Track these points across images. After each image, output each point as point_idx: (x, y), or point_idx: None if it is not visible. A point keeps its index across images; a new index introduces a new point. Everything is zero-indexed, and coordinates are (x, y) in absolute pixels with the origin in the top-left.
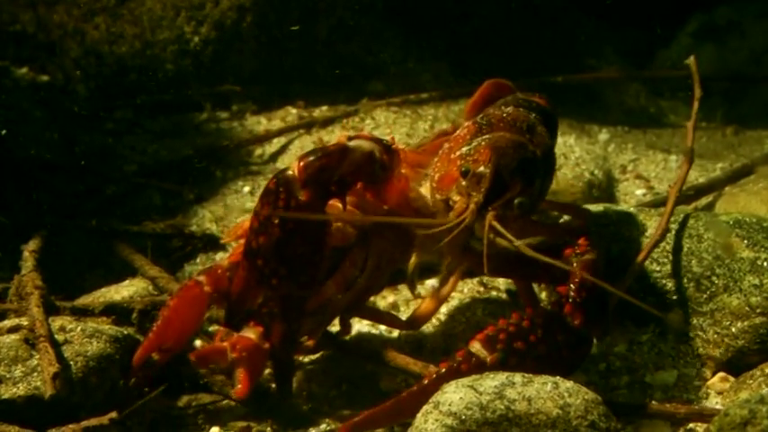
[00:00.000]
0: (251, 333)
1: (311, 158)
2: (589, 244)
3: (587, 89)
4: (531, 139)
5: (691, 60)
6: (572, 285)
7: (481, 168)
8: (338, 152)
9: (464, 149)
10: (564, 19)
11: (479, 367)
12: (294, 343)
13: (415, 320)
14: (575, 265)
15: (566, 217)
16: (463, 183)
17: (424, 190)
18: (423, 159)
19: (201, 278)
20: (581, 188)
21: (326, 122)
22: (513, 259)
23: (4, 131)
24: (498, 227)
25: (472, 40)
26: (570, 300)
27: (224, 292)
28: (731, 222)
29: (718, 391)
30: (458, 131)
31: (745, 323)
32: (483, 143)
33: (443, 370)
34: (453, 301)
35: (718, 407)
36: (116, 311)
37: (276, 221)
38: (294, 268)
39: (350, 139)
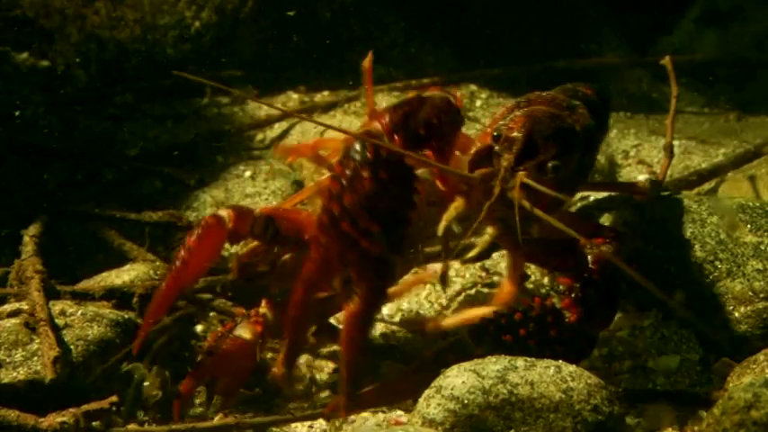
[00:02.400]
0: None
1: (391, 109)
2: (612, 237)
3: (589, 75)
4: (569, 115)
5: (666, 60)
6: (576, 278)
7: (514, 133)
8: (416, 99)
9: (500, 123)
10: (566, 4)
11: (466, 359)
12: (375, 314)
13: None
14: (585, 256)
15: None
16: (496, 148)
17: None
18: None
19: (224, 213)
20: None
21: (327, 107)
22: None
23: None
24: (532, 183)
25: (474, 25)
26: (571, 294)
27: (244, 235)
28: (735, 207)
29: (721, 376)
30: (497, 113)
31: (749, 308)
32: (518, 113)
33: (429, 359)
34: (456, 286)
35: (721, 391)
36: (116, 296)
37: (366, 175)
38: (387, 225)
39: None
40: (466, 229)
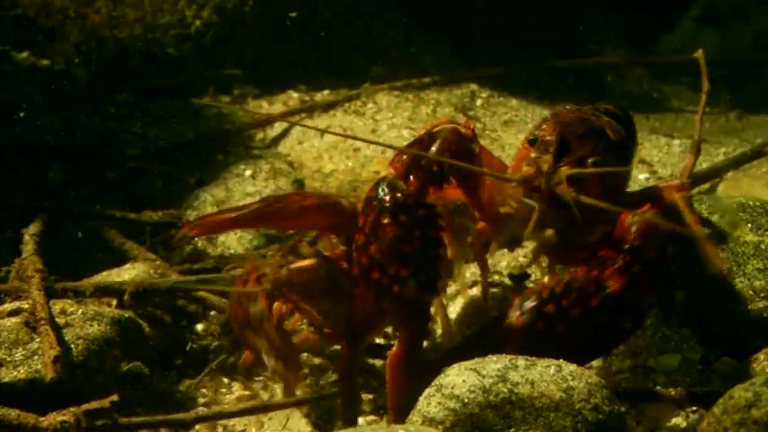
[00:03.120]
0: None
1: (400, 154)
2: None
3: (590, 74)
4: (597, 119)
5: (699, 53)
6: (619, 247)
7: (548, 137)
8: (425, 136)
9: (533, 131)
10: (567, 3)
11: (509, 332)
12: (418, 355)
13: None
14: (628, 226)
15: None
16: (533, 154)
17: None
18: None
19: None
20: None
21: (328, 107)
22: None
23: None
24: (579, 171)
25: (474, 25)
26: (613, 263)
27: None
28: (735, 206)
29: (721, 375)
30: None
31: (749, 307)
32: (549, 122)
33: (472, 335)
34: (456, 285)
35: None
36: (108, 292)
37: (386, 221)
38: (416, 267)
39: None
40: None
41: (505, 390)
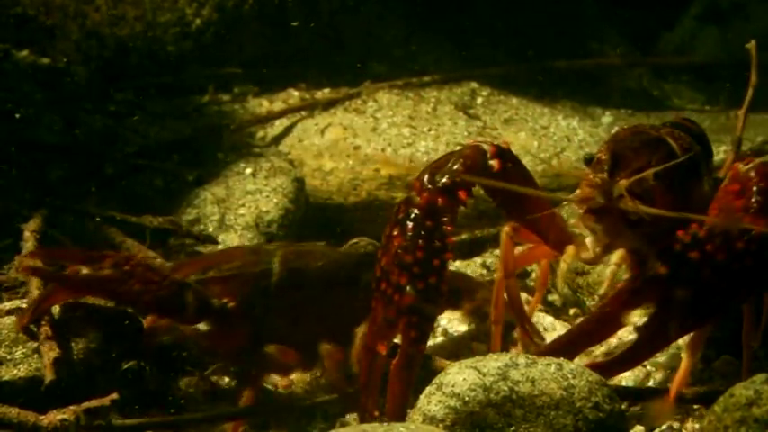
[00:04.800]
0: None
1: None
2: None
3: (590, 72)
4: (655, 130)
5: (751, 45)
6: (745, 194)
7: (603, 155)
8: (445, 155)
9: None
10: (567, 1)
11: (655, 281)
12: (416, 365)
13: None
14: (745, 173)
15: None
16: (590, 175)
17: None
18: None
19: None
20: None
21: (328, 105)
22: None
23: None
24: (639, 176)
25: (475, 23)
26: (749, 210)
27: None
28: None
29: (722, 374)
30: None
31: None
32: (606, 142)
33: (623, 289)
34: None
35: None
36: None
37: (395, 233)
38: (415, 276)
39: None
40: None
41: (506, 388)
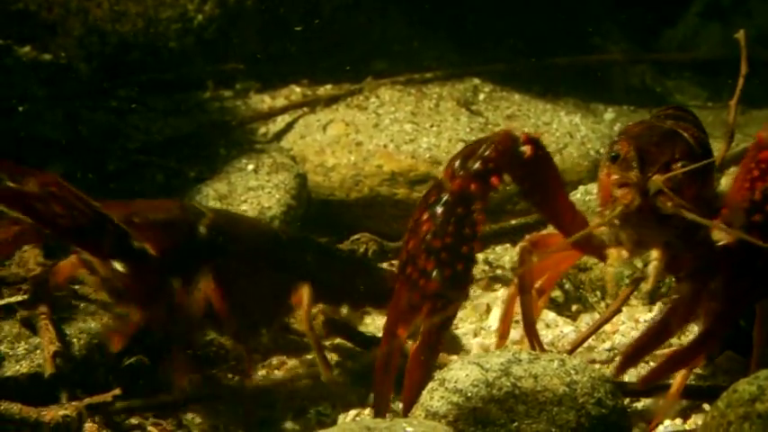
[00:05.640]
0: None
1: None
2: None
3: (592, 69)
4: (663, 121)
5: (740, 34)
6: None
7: (628, 153)
8: (475, 141)
9: (605, 161)
10: None
11: (726, 252)
12: (436, 352)
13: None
14: None
15: None
16: (615, 176)
17: None
18: None
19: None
20: (587, 167)
21: (330, 101)
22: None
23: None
24: (675, 172)
25: (477, 19)
26: None
27: None
28: None
29: (725, 370)
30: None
31: None
32: (620, 139)
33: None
34: None
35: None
36: None
37: (425, 217)
38: (442, 262)
39: None
40: None
41: (508, 384)
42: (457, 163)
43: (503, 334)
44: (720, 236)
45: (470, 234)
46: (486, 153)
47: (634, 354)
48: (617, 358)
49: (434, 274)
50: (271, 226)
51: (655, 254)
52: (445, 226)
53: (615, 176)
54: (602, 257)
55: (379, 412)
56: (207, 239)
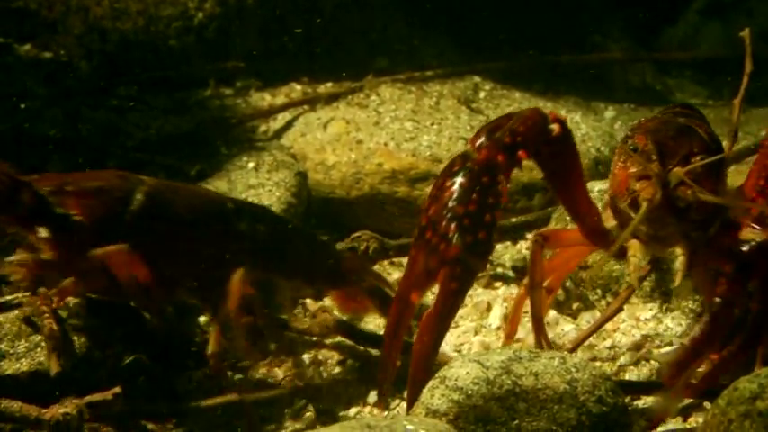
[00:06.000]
0: None
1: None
2: None
3: (593, 67)
4: (676, 117)
5: (745, 33)
6: None
7: (647, 146)
8: (501, 116)
9: (620, 155)
10: None
11: (763, 251)
12: (449, 319)
13: None
14: None
15: None
16: (633, 169)
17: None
18: None
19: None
20: (587, 165)
21: (331, 99)
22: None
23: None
24: (695, 164)
25: (477, 17)
26: None
27: None
28: None
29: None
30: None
31: None
32: (636, 133)
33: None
34: None
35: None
36: None
37: (448, 183)
38: (465, 228)
39: None
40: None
41: (509, 382)
42: (484, 134)
43: (509, 333)
44: (752, 234)
45: (494, 203)
46: (515, 126)
47: (683, 363)
48: (621, 358)
49: (455, 239)
50: (223, 196)
51: (679, 250)
52: (469, 193)
53: (633, 169)
54: (619, 253)
55: (384, 381)
56: (142, 208)
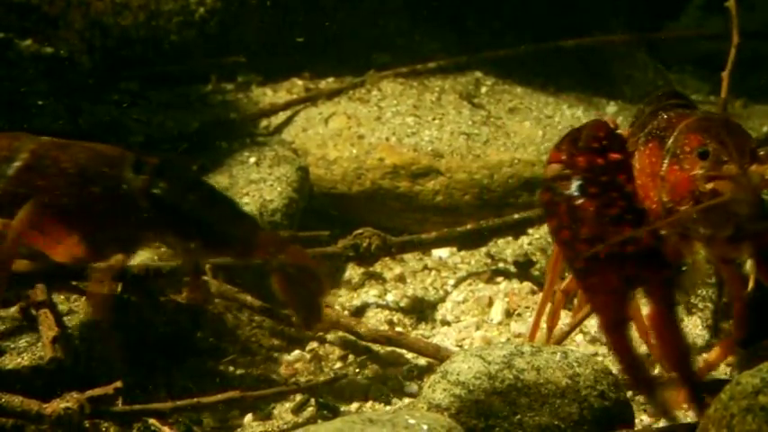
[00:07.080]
0: None
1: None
2: None
3: (594, 61)
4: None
5: (731, 3)
6: None
7: (714, 145)
8: (569, 132)
9: (666, 160)
10: None
11: None
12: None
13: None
14: None
15: None
16: (700, 171)
17: None
18: None
19: None
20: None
21: (332, 94)
22: None
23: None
24: None
25: (478, 13)
26: None
27: None
28: None
29: (728, 362)
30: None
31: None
32: (683, 134)
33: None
34: (460, 272)
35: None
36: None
37: (579, 202)
38: (628, 222)
39: None
40: None
41: (511, 376)
42: (567, 148)
43: (550, 327)
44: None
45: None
46: (594, 133)
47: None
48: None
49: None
50: (116, 148)
51: (747, 252)
52: (607, 194)
53: (700, 171)
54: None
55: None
56: (25, 166)
